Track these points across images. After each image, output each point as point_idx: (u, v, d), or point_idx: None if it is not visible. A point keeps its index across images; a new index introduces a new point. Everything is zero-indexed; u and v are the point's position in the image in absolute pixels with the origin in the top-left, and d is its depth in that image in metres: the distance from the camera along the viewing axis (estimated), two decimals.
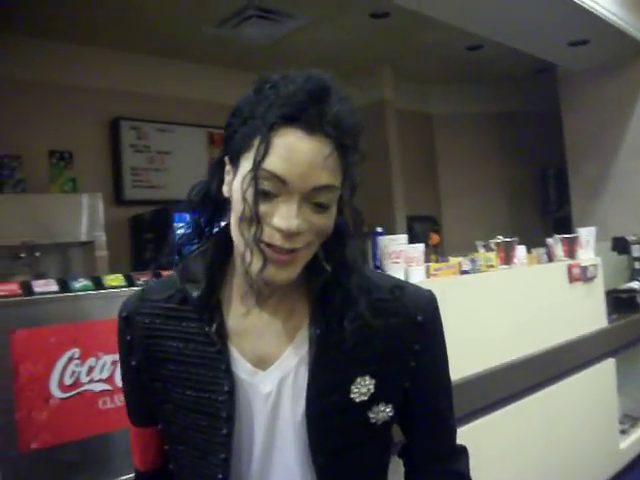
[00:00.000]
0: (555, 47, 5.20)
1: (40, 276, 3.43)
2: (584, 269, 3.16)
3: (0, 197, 4.08)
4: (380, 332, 0.97)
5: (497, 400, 2.48)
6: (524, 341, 2.73)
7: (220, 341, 0.96)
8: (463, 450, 1.10)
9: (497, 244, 2.77)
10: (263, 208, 0.86)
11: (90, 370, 1.60)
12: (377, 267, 2.39)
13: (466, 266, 2.53)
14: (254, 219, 0.86)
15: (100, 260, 4.18)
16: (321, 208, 0.88)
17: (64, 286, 1.62)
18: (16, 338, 1.47)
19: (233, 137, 0.92)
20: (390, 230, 4.89)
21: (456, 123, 7.08)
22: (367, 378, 0.95)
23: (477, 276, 2.57)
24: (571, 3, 4.13)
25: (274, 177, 0.84)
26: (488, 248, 2.82)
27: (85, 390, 1.59)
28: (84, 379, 1.59)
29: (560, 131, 5.94)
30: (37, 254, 4.18)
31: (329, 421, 0.94)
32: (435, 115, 7.20)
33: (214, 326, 0.96)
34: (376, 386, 0.96)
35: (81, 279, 1.68)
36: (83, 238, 4.24)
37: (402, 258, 2.19)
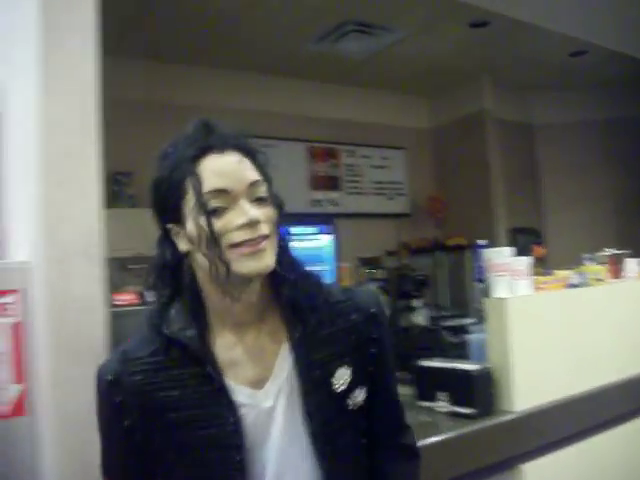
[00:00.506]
0: None
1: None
2: None
3: (112, 211, 4.28)
4: (345, 329, 1.14)
5: (593, 425, 2.33)
6: (632, 360, 2.59)
7: (218, 378, 1.06)
8: (409, 426, 1.28)
9: (607, 257, 2.67)
10: (220, 224, 1.00)
11: None
12: (480, 280, 2.36)
13: (574, 280, 2.45)
14: (218, 235, 1.00)
15: None
16: (262, 201, 1.04)
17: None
18: None
19: (165, 204, 1.07)
20: (491, 242, 4.80)
21: (558, 132, 6.86)
22: (344, 368, 1.12)
23: (585, 290, 2.48)
24: None
25: (218, 192, 1.01)
26: (597, 261, 2.72)
27: None
28: None
29: None
30: (145, 266, 4.36)
31: (322, 413, 1.09)
32: (536, 124, 7.01)
33: (209, 366, 1.06)
34: (351, 375, 1.12)
35: None
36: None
37: (507, 271, 2.14)
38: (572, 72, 6.04)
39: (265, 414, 1.08)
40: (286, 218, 1.12)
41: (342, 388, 1.11)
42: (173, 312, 1.09)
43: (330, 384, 1.11)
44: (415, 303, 5.06)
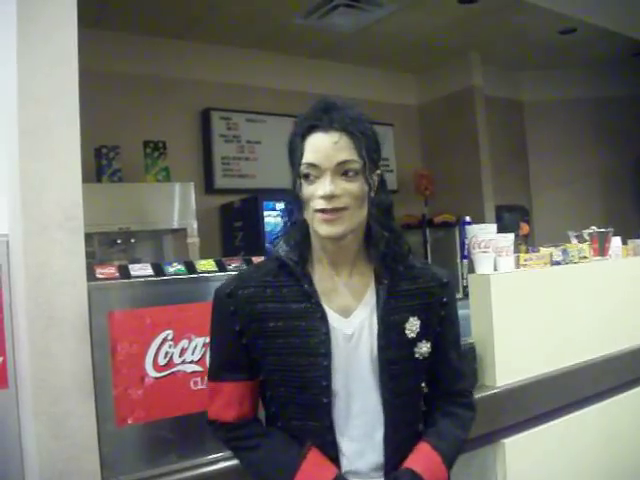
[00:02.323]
0: None
1: (135, 261, 3.58)
2: None
3: (99, 186, 4.26)
4: (422, 289, 1.38)
5: (575, 401, 2.37)
6: (614, 337, 2.62)
7: (314, 295, 1.31)
8: (468, 388, 1.52)
9: (591, 235, 2.68)
10: (310, 189, 1.26)
11: (182, 351, 1.65)
12: (465, 257, 2.37)
13: (557, 257, 2.46)
14: (307, 198, 1.27)
15: (192, 246, 4.32)
16: (348, 176, 1.26)
17: (159, 270, 1.68)
18: (114, 318, 1.54)
19: (290, 159, 1.33)
20: (479, 220, 4.81)
21: (547, 110, 6.85)
22: (416, 319, 1.34)
23: (569, 267, 2.49)
24: None
25: (310, 165, 1.26)
26: (581, 239, 2.73)
27: (178, 370, 1.64)
28: (177, 360, 1.64)
29: None
30: (132, 240, 4.35)
31: (392, 352, 1.31)
32: (526, 102, 7.00)
33: (309, 285, 1.31)
34: (420, 326, 1.34)
35: (174, 264, 1.74)
36: (176, 225, 4.39)
37: (491, 248, 2.15)
38: (562, 50, 6.01)
39: (346, 339, 1.31)
40: (386, 192, 1.38)
41: (412, 335, 1.33)
42: (284, 243, 1.35)
43: (403, 329, 1.33)
44: None
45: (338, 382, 1.30)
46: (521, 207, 6.42)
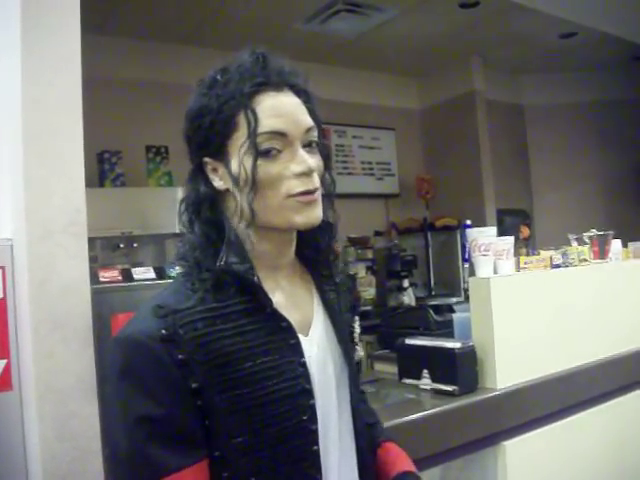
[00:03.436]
0: None
1: (138, 265, 3.60)
2: None
3: (101, 190, 4.28)
4: (345, 287, 1.19)
5: (575, 403, 2.35)
6: (614, 340, 2.61)
7: (283, 318, 0.99)
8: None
9: (591, 237, 2.68)
10: (276, 169, 0.95)
11: None
12: (466, 260, 2.37)
13: (557, 260, 2.47)
14: (271, 180, 0.95)
15: None
16: (312, 148, 0.99)
17: (161, 274, 1.70)
18: (118, 321, 1.56)
19: (207, 135, 0.98)
20: (480, 223, 4.82)
21: (548, 114, 6.86)
22: (356, 320, 1.25)
23: (569, 270, 2.50)
24: None
25: (275, 134, 0.95)
26: (581, 242, 2.73)
27: None
28: None
29: None
30: (135, 245, 4.37)
31: (352, 360, 1.11)
32: (527, 106, 7.01)
33: (271, 305, 0.98)
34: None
35: (177, 268, 1.75)
36: (178, 230, 4.39)
37: (491, 251, 2.16)
38: (562, 53, 6.03)
39: (315, 363, 1.02)
40: (331, 174, 1.08)
41: (356, 338, 1.26)
42: (211, 250, 0.98)
43: (352, 332, 1.20)
44: (403, 283, 5.10)
45: (323, 414, 1.02)
46: (522, 211, 6.43)
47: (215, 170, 1.01)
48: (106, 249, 4.28)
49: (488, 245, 2.15)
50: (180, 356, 0.90)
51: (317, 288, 1.11)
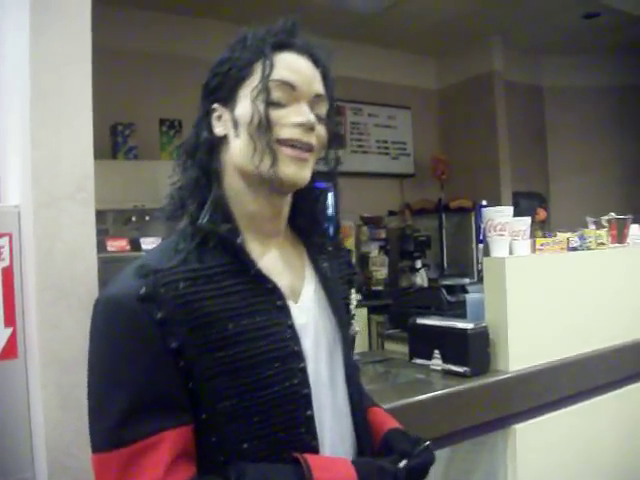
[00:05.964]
0: None
1: None
2: None
3: (114, 163, 4.27)
4: (342, 261, 1.20)
5: (588, 388, 2.32)
6: (630, 325, 2.56)
7: (268, 280, 0.98)
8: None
9: (609, 221, 2.63)
10: (276, 114, 0.96)
11: None
12: (481, 241, 2.34)
13: (574, 242, 2.42)
14: (266, 124, 0.95)
15: None
16: (319, 119, 1.01)
17: None
18: None
19: (222, 80, 1.01)
20: (495, 205, 4.76)
21: (569, 96, 6.76)
22: (353, 292, 1.18)
23: (586, 254, 2.45)
24: None
25: (284, 84, 0.97)
26: (599, 225, 2.69)
27: None
28: None
29: None
30: (147, 218, 4.36)
31: (346, 329, 1.10)
32: (546, 87, 6.91)
33: (255, 264, 0.98)
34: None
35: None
36: None
37: (507, 231, 2.12)
38: (585, 35, 5.92)
39: (304, 329, 1.01)
40: (338, 137, 1.11)
41: (353, 310, 1.18)
42: (198, 195, 1.00)
43: (347, 304, 1.16)
44: (415, 264, 5.07)
45: (314, 378, 1.00)
46: (538, 194, 6.36)
47: (220, 117, 1.02)
48: (118, 222, 4.27)
49: (504, 225, 2.11)
50: (159, 315, 0.89)
51: (310, 257, 1.11)
